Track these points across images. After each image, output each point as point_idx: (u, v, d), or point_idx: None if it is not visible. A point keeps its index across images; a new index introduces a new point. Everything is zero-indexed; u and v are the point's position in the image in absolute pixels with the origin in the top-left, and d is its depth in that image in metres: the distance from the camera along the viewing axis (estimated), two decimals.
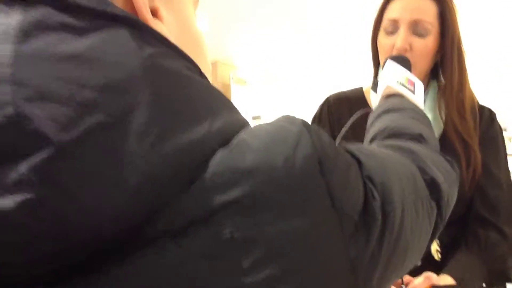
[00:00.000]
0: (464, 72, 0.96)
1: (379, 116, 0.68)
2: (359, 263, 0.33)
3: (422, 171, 0.47)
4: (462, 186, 0.92)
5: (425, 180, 0.47)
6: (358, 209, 0.34)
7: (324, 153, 0.32)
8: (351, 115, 0.91)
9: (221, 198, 0.28)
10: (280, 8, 3.38)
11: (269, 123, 0.34)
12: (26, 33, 0.26)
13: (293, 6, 3.36)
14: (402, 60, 0.87)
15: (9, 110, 0.24)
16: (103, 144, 0.25)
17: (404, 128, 0.59)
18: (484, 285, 0.95)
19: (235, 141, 0.31)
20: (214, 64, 4.78)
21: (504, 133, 1.10)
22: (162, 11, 0.36)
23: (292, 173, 0.30)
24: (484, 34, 3.94)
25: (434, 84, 1.01)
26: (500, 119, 1.07)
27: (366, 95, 1.11)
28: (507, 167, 1.03)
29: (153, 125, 0.27)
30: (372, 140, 0.61)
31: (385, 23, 0.95)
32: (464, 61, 0.96)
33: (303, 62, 4.78)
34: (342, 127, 0.91)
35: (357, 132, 0.85)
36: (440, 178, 0.49)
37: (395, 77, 0.79)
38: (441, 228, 0.50)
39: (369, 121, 0.71)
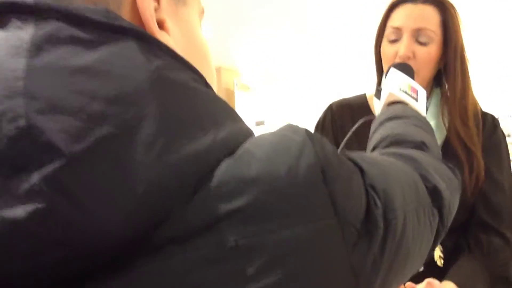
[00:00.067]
0: (467, 79, 0.97)
1: (382, 123, 0.69)
2: (361, 270, 0.33)
3: (424, 178, 0.48)
4: (464, 193, 0.92)
5: (427, 187, 0.47)
6: (360, 217, 0.34)
7: (327, 162, 0.32)
8: (354, 122, 0.91)
9: (226, 207, 0.28)
10: (281, 9, 3.39)
11: (273, 133, 0.35)
12: (38, 47, 0.27)
13: (293, 7, 3.37)
14: (405, 68, 0.87)
15: (22, 122, 0.25)
16: (111, 155, 0.26)
17: (406, 136, 0.60)
18: None
19: (240, 151, 0.32)
20: (218, 70, 4.78)
21: (508, 139, 1.10)
22: (169, 23, 0.37)
23: (295, 182, 0.30)
24: (487, 41, 3.94)
25: (437, 91, 1.01)
26: (503, 125, 1.07)
27: (369, 102, 1.11)
28: (510, 173, 1.03)
29: (160, 136, 0.28)
30: (374, 147, 0.61)
31: (388, 31, 0.96)
32: (467, 68, 0.96)
33: (304, 63, 4.77)
34: (345, 134, 0.91)
35: (361, 139, 0.85)
36: (442, 185, 0.49)
37: (398, 85, 0.80)
38: (443, 235, 0.50)
39: (372, 128, 0.71)
